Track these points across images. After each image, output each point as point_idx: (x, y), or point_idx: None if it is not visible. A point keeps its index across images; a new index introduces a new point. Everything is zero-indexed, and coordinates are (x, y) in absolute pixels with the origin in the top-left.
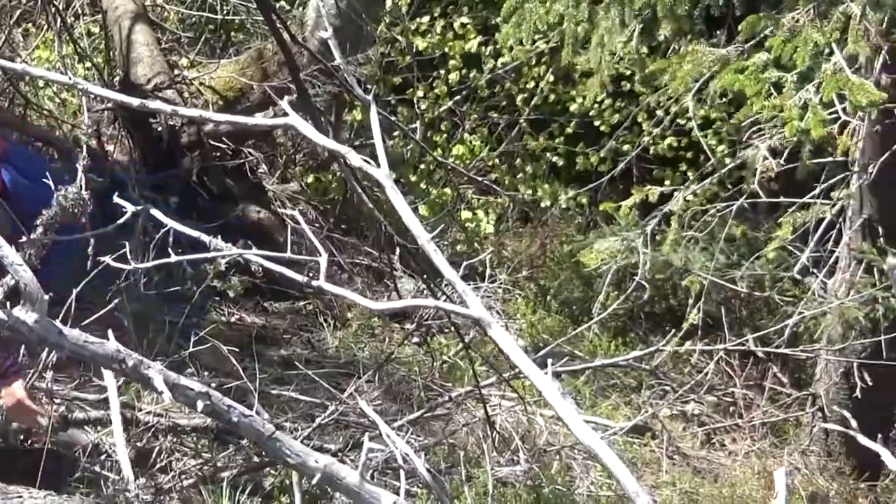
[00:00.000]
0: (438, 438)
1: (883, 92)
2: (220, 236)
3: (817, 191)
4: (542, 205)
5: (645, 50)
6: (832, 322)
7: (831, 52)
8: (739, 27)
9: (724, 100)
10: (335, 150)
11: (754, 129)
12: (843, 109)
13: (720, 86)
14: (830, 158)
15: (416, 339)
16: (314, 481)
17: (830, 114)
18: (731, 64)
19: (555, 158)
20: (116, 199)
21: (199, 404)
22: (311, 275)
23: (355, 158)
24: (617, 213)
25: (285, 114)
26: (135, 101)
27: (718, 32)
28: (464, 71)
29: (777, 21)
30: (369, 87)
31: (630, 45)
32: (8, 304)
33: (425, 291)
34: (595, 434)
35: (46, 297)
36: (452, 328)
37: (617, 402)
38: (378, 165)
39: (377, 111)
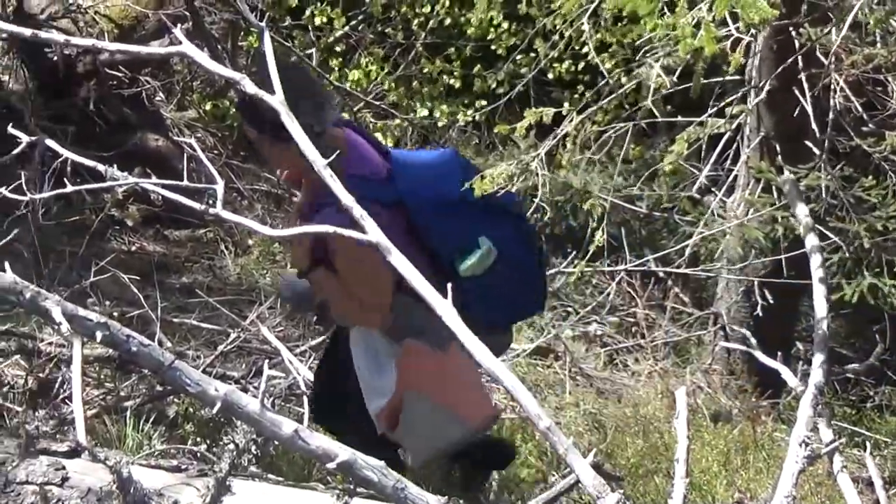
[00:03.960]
0: None
1: (775, 9)
2: (116, 165)
3: (714, 110)
4: (440, 124)
5: None
6: (732, 241)
7: None
8: None
9: (619, 24)
10: (230, 78)
11: (648, 48)
12: (737, 28)
13: (611, 6)
14: (727, 77)
15: None
16: (215, 410)
17: (725, 33)
18: None
19: (452, 80)
20: (11, 129)
21: (98, 335)
22: (210, 202)
23: (250, 86)
24: (512, 134)
25: (179, 42)
26: (27, 32)
27: None
28: None
29: None
30: (264, 13)
31: None
32: None
33: None
34: (495, 357)
35: None
36: None
37: (519, 324)
38: (273, 92)
39: (271, 37)
